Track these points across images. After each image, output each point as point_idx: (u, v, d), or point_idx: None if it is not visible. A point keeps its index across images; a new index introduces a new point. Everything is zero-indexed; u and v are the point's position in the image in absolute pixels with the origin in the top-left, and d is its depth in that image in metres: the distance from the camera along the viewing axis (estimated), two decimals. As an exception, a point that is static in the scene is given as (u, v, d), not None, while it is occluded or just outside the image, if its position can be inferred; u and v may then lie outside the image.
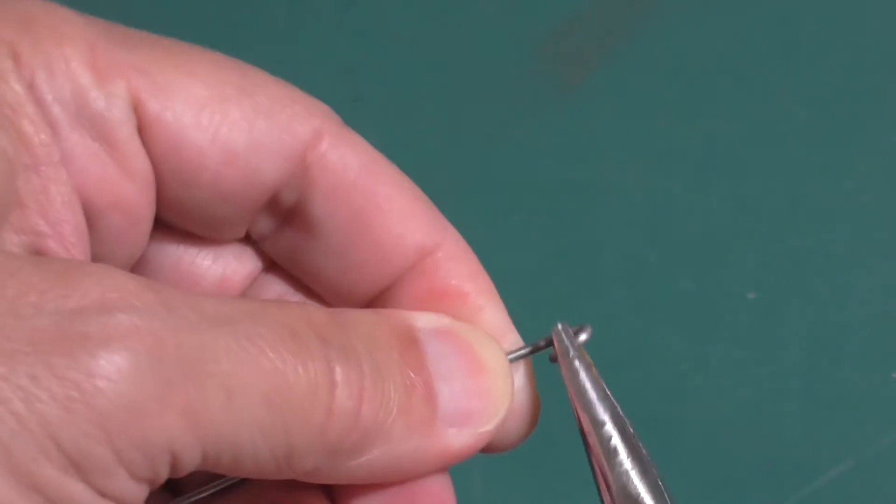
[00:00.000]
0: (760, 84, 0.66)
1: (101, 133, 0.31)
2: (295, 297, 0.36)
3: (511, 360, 0.34)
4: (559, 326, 0.34)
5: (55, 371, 0.26)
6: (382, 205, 0.34)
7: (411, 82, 0.66)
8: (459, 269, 0.34)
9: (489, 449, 0.34)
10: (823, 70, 0.66)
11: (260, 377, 0.29)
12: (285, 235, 0.35)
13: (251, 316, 0.29)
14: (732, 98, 0.66)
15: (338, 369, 0.30)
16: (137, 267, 0.35)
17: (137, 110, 0.32)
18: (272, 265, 0.37)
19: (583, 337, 0.34)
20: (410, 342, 0.32)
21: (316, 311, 0.31)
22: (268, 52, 0.69)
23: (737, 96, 0.66)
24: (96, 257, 0.33)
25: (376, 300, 0.35)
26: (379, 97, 0.65)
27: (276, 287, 0.36)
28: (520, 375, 0.34)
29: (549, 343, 0.34)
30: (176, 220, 0.34)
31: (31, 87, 0.30)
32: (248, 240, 0.36)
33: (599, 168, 0.64)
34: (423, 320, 0.33)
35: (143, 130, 0.32)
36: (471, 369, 0.33)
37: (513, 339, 0.34)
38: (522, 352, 0.34)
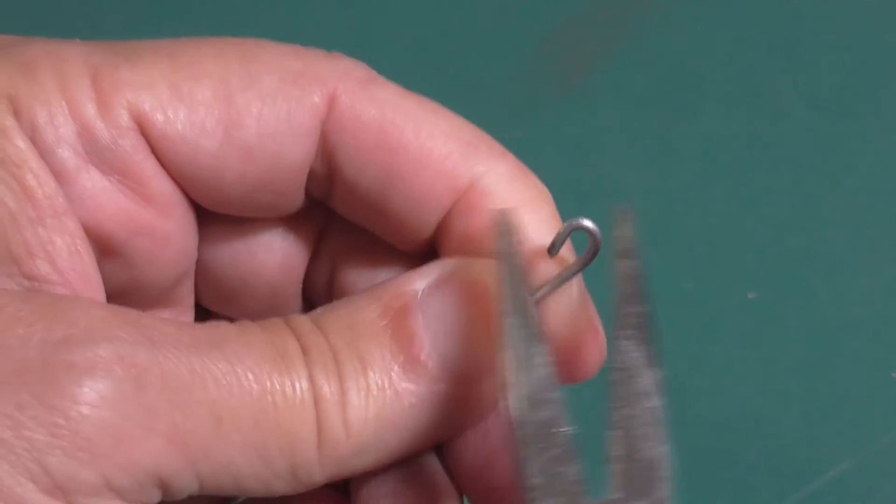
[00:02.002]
0: (760, 84, 0.66)
1: (112, 166, 0.32)
2: (353, 259, 0.36)
3: (562, 283, 0.33)
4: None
5: (41, 399, 0.27)
6: (408, 156, 0.33)
7: (411, 82, 0.66)
8: (499, 203, 0.33)
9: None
10: (823, 70, 0.66)
11: (248, 401, 0.29)
12: (338, 195, 0.35)
13: (239, 337, 0.30)
14: (732, 98, 0.66)
15: (321, 381, 0.30)
16: (198, 273, 0.36)
17: (144, 131, 0.32)
18: (327, 231, 0.36)
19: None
20: (403, 314, 0.32)
21: (297, 320, 0.31)
22: (268, 52, 0.69)
23: (737, 96, 0.66)
24: (134, 282, 0.34)
25: (437, 238, 0.34)
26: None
27: (335, 253, 0.36)
28: (573, 292, 0.33)
29: (593, 255, 0.33)
30: (226, 211, 0.34)
31: (34, 138, 0.31)
32: (310, 203, 0.35)
33: (599, 168, 0.64)
34: (421, 280, 0.32)
35: (154, 150, 0.32)
36: (471, 319, 0.32)
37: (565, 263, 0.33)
38: (573, 270, 0.33)
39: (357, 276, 0.36)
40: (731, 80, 0.66)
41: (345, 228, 0.36)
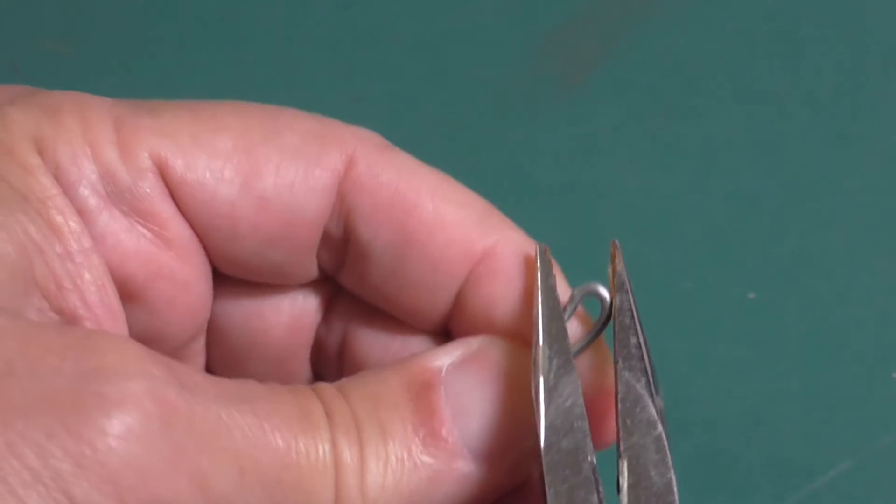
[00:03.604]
0: (760, 84, 0.66)
1: (132, 207, 0.33)
2: (365, 327, 0.36)
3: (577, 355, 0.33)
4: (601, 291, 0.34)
5: (70, 428, 0.27)
6: (423, 217, 0.34)
7: (411, 82, 0.66)
8: (519, 278, 0.34)
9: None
10: (823, 70, 0.66)
11: (273, 457, 0.29)
12: (350, 265, 0.35)
13: (268, 395, 0.30)
14: (732, 98, 0.66)
15: (342, 446, 0.30)
16: (208, 330, 0.36)
17: (164, 176, 0.33)
18: (339, 298, 0.37)
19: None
20: (425, 388, 0.32)
21: (322, 386, 0.32)
22: (268, 52, 0.69)
23: (737, 96, 0.66)
24: (154, 331, 0.34)
25: (454, 312, 0.35)
26: (379, 97, 0.65)
27: (347, 319, 0.37)
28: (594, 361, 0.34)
29: (606, 320, 0.34)
30: (239, 273, 0.35)
31: (57, 177, 0.32)
32: (322, 275, 0.36)
33: (599, 168, 0.64)
34: (446, 357, 0.33)
35: (173, 194, 0.33)
36: (493, 398, 0.32)
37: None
38: (584, 342, 0.34)
39: (369, 345, 0.36)
40: (730, 79, 0.66)
41: (356, 297, 0.36)
